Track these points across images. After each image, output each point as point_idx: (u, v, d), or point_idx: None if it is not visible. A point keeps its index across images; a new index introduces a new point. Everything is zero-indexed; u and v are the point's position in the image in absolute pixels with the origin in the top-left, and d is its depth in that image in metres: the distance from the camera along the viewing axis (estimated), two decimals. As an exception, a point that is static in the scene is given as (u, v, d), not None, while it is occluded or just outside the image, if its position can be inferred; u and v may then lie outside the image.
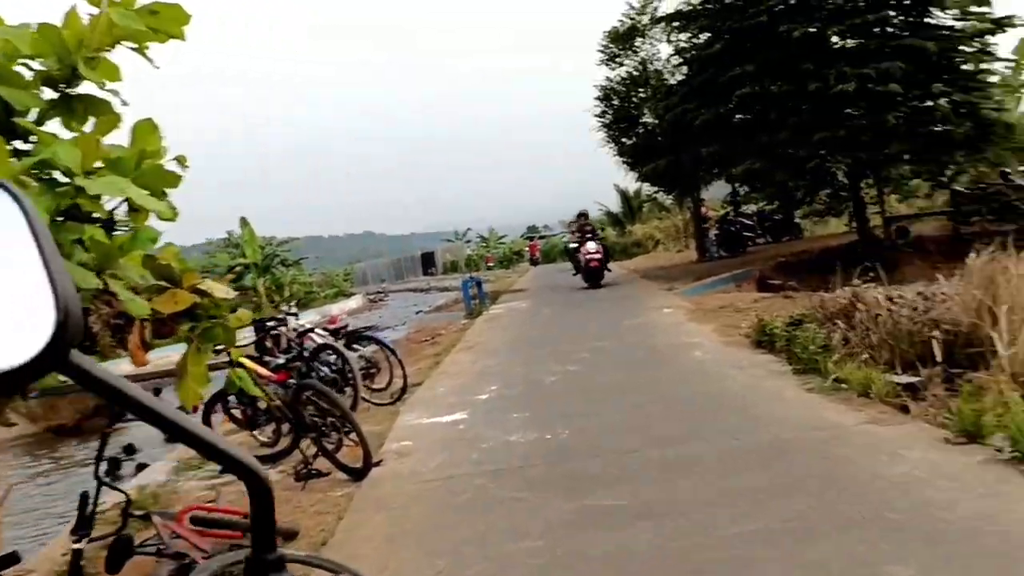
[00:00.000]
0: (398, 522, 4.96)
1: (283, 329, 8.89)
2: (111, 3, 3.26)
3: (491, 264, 49.51)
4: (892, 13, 16.97)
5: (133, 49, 3.41)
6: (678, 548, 3.94)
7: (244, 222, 43.69)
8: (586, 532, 4.33)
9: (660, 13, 22.11)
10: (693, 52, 20.55)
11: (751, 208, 29.30)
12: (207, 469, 7.14)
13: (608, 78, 24.44)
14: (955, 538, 3.68)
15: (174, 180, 3.65)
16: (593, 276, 19.75)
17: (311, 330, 9.36)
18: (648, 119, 24.07)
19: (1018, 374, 5.44)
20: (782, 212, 28.01)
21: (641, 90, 23.83)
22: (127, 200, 3.45)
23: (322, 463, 6.28)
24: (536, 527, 4.47)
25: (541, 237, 57.86)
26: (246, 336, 9.34)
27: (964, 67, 17.08)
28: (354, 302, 46.85)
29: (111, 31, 3.27)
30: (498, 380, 9.33)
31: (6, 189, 0.82)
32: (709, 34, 19.44)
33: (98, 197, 3.27)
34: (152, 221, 3.66)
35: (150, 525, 4.25)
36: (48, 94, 3.38)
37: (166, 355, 5.11)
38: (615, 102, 24.55)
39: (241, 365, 6.45)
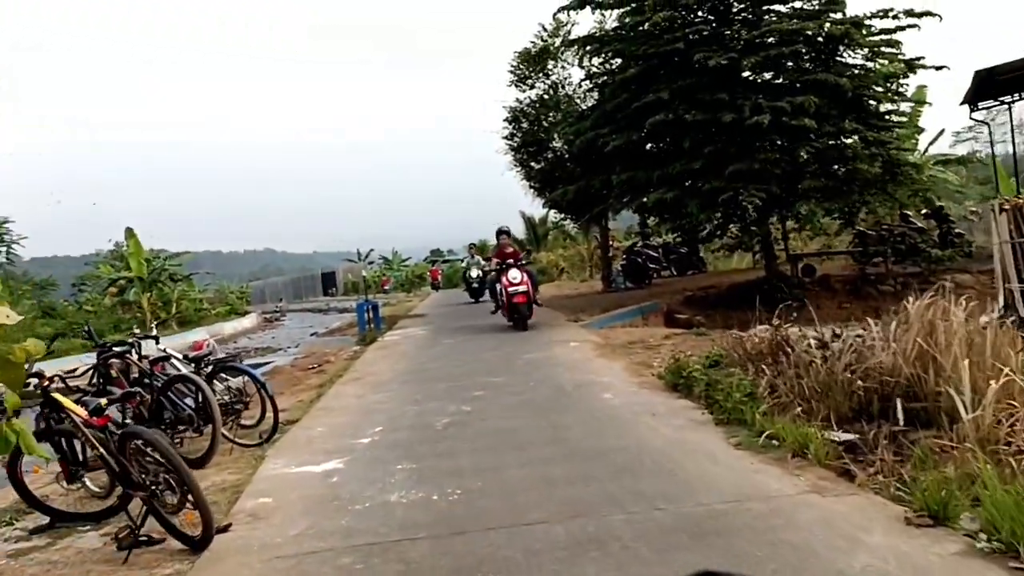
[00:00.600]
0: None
1: (132, 357, 7.58)
2: None
3: (387, 287, 48.03)
4: (803, 49, 16.77)
5: None
6: None
7: (129, 232, 41.10)
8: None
9: (573, 36, 21.53)
10: (606, 77, 20.02)
11: (657, 240, 29.04)
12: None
13: (518, 99, 23.70)
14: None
15: None
16: (518, 315, 14.87)
17: (167, 358, 8.04)
18: (557, 144, 23.40)
19: (985, 440, 4.70)
20: (687, 245, 27.82)
21: (551, 114, 23.14)
22: None
23: (157, 526, 5.05)
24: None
25: (445, 261, 56.86)
26: (82, 364, 8.00)
27: (875, 106, 17.03)
28: (248, 321, 44.61)
29: None
30: (384, 420, 8.22)
31: None
32: (622, 59, 18.94)
33: None
34: None
35: None
36: None
37: None
38: (524, 125, 23.79)
39: (54, 403, 5.20)
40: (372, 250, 70.03)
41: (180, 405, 7.38)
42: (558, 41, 22.43)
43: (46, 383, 5.19)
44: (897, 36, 16.52)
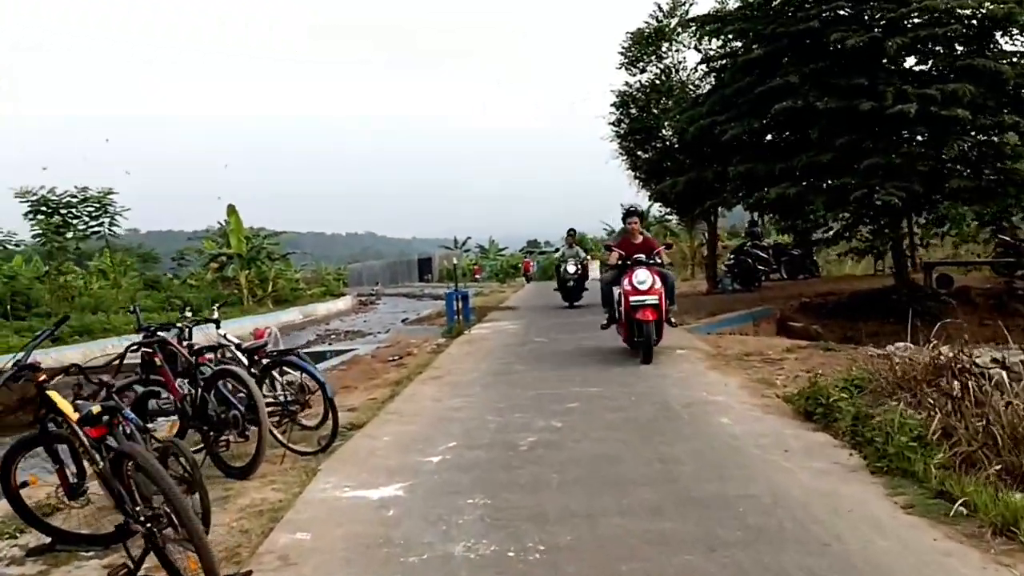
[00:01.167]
0: None
1: (176, 343, 6.63)
2: None
3: (478, 276, 47.11)
4: (957, 30, 14.79)
5: None
6: None
7: (231, 209, 41.44)
8: None
9: (691, 16, 19.93)
10: (725, 60, 18.40)
11: (768, 240, 27.15)
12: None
13: (627, 83, 22.22)
14: None
15: None
16: (641, 336, 10.16)
17: (216, 347, 7.07)
18: (667, 133, 21.85)
19: None
20: (800, 247, 25.83)
21: (663, 100, 21.60)
22: None
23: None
24: None
25: (541, 252, 55.77)
26: (103, 353, 7.11)
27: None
28: (343, 303, 44.56)
29: None
30: (460, 433, 7.07)
31: None
32: (745, 40, 17.30)
33: None
34: None
35: None
36: None
37: None
38: (632, 111, 22.33)
39: (50, 404, 4.22)
40: (469, 238, 69.59)
41: (231, 402, 6.40)
42: (674, 21, 20.89)
43: (41, 378, 4.20)
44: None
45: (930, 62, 15.25)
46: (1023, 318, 15.51)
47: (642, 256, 10.59)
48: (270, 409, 6.91)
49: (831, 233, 17.48)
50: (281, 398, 7.04)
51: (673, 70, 21.83)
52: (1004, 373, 5.71)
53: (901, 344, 8.72)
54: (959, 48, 15.01)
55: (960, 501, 4.34)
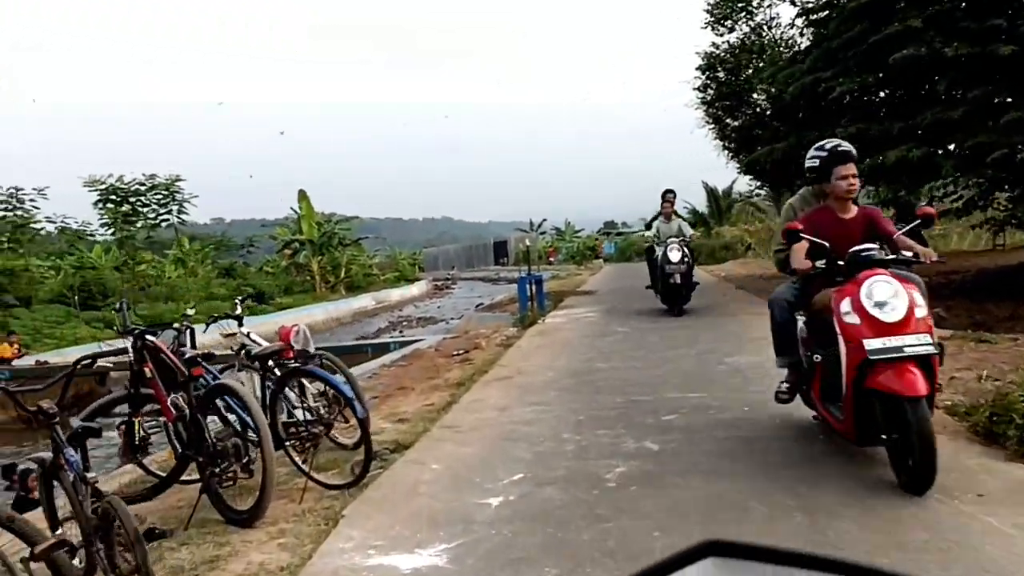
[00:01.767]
0: None
1: (166, 348, 5.26)
2: None
3: (553, 259, 45.43)
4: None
5: None
6: None
7: (302, 195, 40.82)
8: None
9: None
10: (828, 11, 16.29)
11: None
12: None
13: (714, 44, 20.24)
14: None
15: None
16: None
17: (240, 350, 5.70)
18: (759, 97, 19.83)
19: None
20: (904, 221, 23.45)
21: (754, 60, 19.56)
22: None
23: None
24: None
25: (619, 234, 53.97)
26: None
27: None
28: (416, 288, 43.64)
29: None
30: (528, 458, 5.55)
31: None
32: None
33: None
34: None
35: None
36: None
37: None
38: (720, 75, 20.35)
39: None
40: (544, 220, 68.19)
41: (233, 426, 5.03)
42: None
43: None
44: None
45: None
46: None
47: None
48: (291, 430, 5.54)
49: (962, 202, 15.26)
50: (302, 416, 5.61)
51: (766, 27, 19.78)
52: None
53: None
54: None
55: None
